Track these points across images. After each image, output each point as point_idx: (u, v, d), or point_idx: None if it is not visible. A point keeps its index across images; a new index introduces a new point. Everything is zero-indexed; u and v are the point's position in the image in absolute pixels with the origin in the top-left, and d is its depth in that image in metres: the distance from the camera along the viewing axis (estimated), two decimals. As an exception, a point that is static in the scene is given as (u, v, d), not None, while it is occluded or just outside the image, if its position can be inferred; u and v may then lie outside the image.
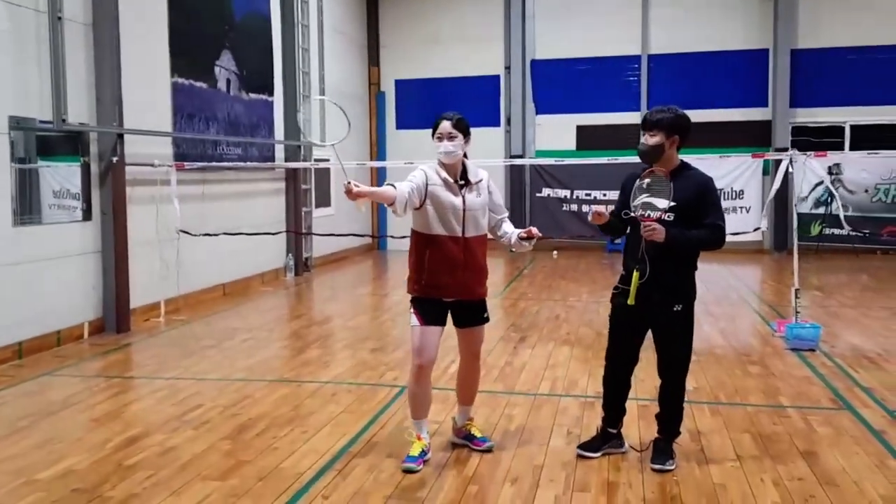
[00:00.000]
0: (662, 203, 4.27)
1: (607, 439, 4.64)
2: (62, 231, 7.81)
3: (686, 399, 4.60)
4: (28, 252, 7.30)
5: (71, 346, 7.69)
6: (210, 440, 4.92)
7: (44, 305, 7.48)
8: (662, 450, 4.46)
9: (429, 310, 4.46)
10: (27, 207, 7.42)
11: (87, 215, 8.11)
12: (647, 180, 4.36)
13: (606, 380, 4.67)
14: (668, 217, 4.26)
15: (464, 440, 4.75)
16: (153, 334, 8.27)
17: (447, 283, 4.41)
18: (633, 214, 4.35)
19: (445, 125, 4.42)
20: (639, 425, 5.08)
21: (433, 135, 4.45)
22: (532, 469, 4.41)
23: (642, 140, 4.40)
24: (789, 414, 5.37)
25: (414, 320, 4.49)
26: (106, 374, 6.70)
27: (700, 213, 4.30)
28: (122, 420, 5.40)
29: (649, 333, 4.50)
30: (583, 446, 4.64)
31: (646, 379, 5.90)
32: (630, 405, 4.87)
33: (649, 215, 4.26)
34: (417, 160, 10.56)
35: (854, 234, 14.33)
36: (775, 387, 6.04)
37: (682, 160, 4.48)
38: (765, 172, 14.64)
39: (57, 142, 7.94)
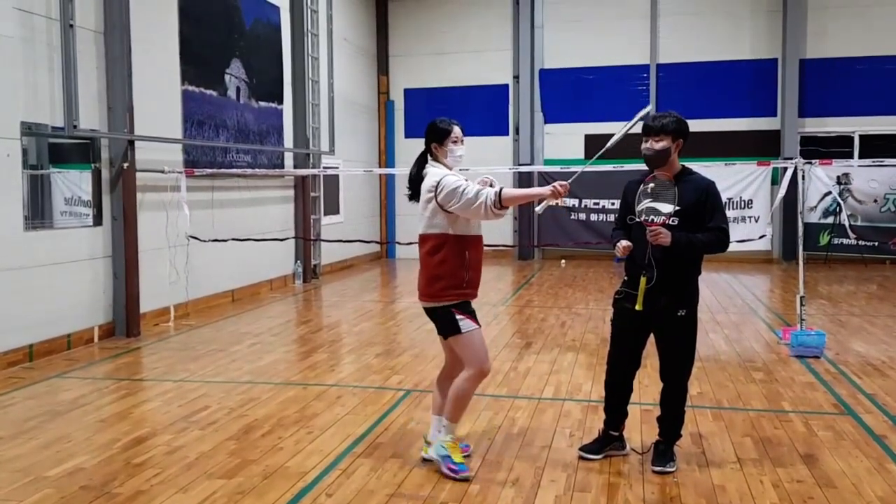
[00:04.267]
0: (667, 208, 4.31)
1: (609, 441, 4.67)
2: (73, 236, 7.92)
3: (688, 403, 4.62)
4: (39, 256, 7.40)
5: (81, 350, 7.78)
6: (216, 440, 4.99)
7: (55, 309, 7.58)
8: (663, 452, 4.50)
9: (473, 311, 4.39)
10: (39, 212, 7.54)
11: (97, 221, 8.21)
12: (650, 185, 4.41)
13: (608, 383, 4.70)
14: (673, 221, 4.30)
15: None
16: (162, 338, 8.35)
17: (478, 280, 4.43)
18: (637, 220, 4.39)
19: (458, 130, 4.46)
20: (641, 429, 5.12)
21: (442, 140, 4.43)
22: (533, 470, 4.45)
23: (646, 145, 4.42)
24: (791, 418, 5.39)
25: (468, 324, 4.33)
26: (115, 376, 6.79)
27: (704, 216, 4.35)
28: (130, 421, 5.47)
29: (651, 337, 4.54)
30: (584, 448, 4.68)
31: (650, 385, 5.95)
32: (633, 409, 4.92)
33: (654, 220, 4.31)
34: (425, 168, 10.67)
35: (863, 243, 14.32)
36: (778, 392, 6.06)
37: (683, 165, 4.53)
38: (774, 182, 14.65)
39: (68, 148, 8.06)
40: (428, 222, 4.38)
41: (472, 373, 4.35)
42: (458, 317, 4.31)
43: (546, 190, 4.18)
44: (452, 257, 4.32)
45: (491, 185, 4.43)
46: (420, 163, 4.52)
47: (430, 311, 4.43)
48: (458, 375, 4.42)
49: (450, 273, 4.31)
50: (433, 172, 4.39)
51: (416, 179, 4.48)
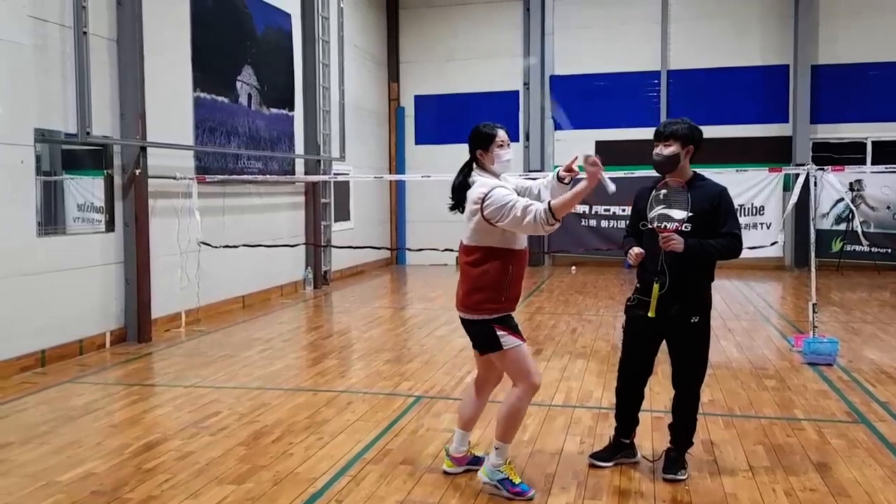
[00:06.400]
0: (680, 214, 4.29)
1: (619, 449, 4.66)
2: (86, 242, 7.96)
3: (700, 410, 4.60)
4: (52, 262, 7.44)
5: (93, 355, 7.81)
6: (227, 446, 5.00)
7: (67, 314, 7.61)
8: (674, 460, 4.47)
9: (516, 325, 4.20)
10: (52, 218, 7.58)
11: (110, 226, 8.26)
12: (663, 191, 4.39)
13: (620, 390, 4.69)
14: (686, 228, 4.29)
15: (470, 465, 4.54)
16: (173, 344, 8.38)
17: (518, 295, 4.23)
18: (650, 226, 4.38)
19: (503, 134, 4.25)
20: (652, 437, 5.10)
21: (487, 146, 4.22)
22: (544, 477, 4.44)
23: (656, 151, 4.41)
24: (803, 426, 5.36)
25: (511, 340, 4.12)
26: (126, 381, 6.81)
27: (716, 222, 4.33)
28: (141, 426, 5.49)
29: (663, 344, 4.52)
30: (595, 455, 4.66)
31: (661, 392, 5.93)
32: (644, 417, 4.89)
33: (666, 226, 4.29)
34: (436, 175, 10.67)
35: (875, 250, 14.24)
36: (790, 400, 6.02)
37: (694, 171, 4.52)
38: (786, 188, 14.59)
39: (81, 155, 8.10)
40: (472, 234, 4.15)
41: (522, 389, 4.18)
42: (499, 332, 4.11)
43: (586, 181, 3.90)
44: (495, 271, 4.10)
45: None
46: (465, 171, 4.28)
47: (467, 323, 4.23)
48: (508, 393, 4.25)
49: (490, 286, 4.10)
50: (481, 182, 4.13)
51: (459, 189, 4.24)
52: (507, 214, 3.95)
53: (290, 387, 6.54)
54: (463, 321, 4.26)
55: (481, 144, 4.25)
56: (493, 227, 4.04)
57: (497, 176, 4.24)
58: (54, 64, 7.48)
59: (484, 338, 4.17)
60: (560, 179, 4.28)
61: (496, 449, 4.23)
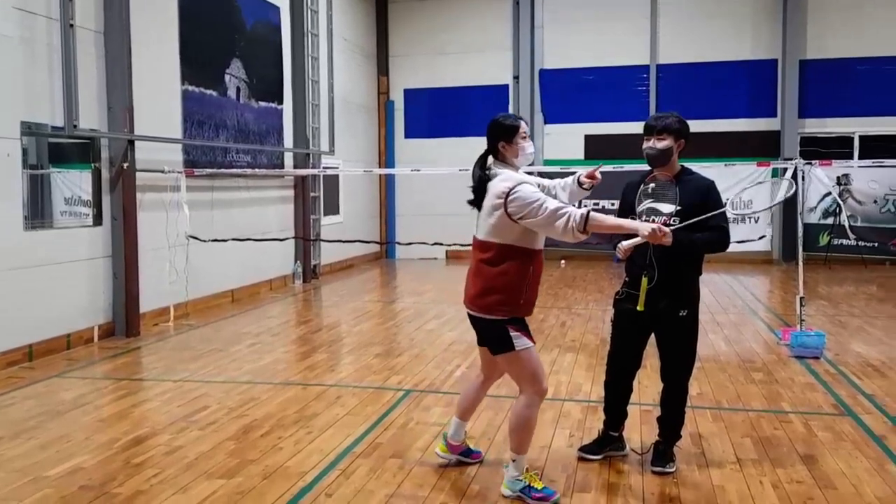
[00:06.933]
0: (668, 208, 4.31)
1: (608, 442, 4.68)
2: (73, 236, 7.92)
3: (688, 403, 4.62)
4: (39, 256, 7.40)
5: (81, 349, 7.78)
6: (216, 440, 4.99)
7: (54, 309, 7.57)
8: (663, 452, 4.50)
9: (527, 326, 4.07)
10: (39, 212, 7.54)
11: (97, 220, 8.21)
12: (651, 185, 4.41)
13: (608, 383, 4.71)
14: (674, 221, 4.30)
15: (462, 456, 4.57)
16: (162, 338, 8.35)
17: (535, 298, 4.09)
18: (638, 220, 4.38)
19: (525, 125, 4.11)
20: (640, 430, 5.12)
21: (511, 138, 4.04)
22: (533, 470, 4.44)
23: (649, 144, 4.41)
24: (791, 419, 5.39)
25: (524, 341, 3.98)
26: (114, 376, 6.79)
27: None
28: (129, 420, 5.47)
29: (652, 338, 4.54)
30: (584, 448, 4.68)
31: (650, 385, 5.96)
32: (633, 410, 4.92)
33: (654, 220, 4.30)
34: (425, 168, 10.67)
35: (862, 244, 14.32)
36: (778, 393, 6.06)
37: (682, 165, 4.53)
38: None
39: (68, 148, 8.06)
40: (492, 229, 3.95)
41: (529, 396, 4.07)
42: (512, 333, 3.96)
43: (644, 228, 3.88)
44: (514, 271, 3.94)
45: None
46: (482, 165, 4.10)
47: (476, 321, 4.10)
48: (516, 402, 4.16)
49: (508, 287, 3.94)
50: (505, 175, 3.97)
51: (481, 183, 4.03)
52: (536, 213, 3.80)
53: (280, 381, 6.54)
54: (472, 318, 4.13)
55: (504, 137, 4.06)
56: (514, 223, 3.88)
57: (517, 169, 4.11)
58: (41, 56, 7.42)
59: (496, 338, 4.03)
60: (580, 184, 4.29)
61: (513, 462, 4.11)
